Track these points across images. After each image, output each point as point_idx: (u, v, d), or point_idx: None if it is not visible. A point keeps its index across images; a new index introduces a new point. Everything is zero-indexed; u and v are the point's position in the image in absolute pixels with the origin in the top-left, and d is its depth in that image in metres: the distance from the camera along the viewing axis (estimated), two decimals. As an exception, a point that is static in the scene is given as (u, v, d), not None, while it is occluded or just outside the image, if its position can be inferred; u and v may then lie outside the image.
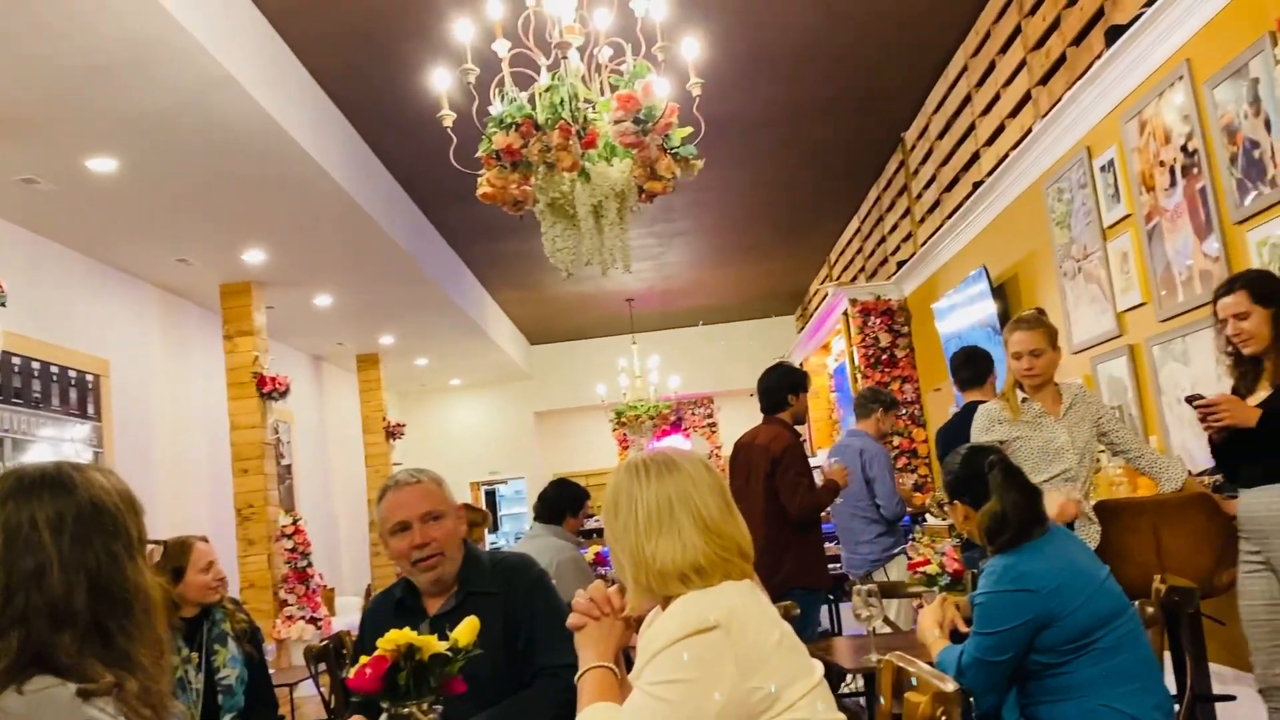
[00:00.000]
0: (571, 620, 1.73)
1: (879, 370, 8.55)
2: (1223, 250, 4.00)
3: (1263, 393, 3.08)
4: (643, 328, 13.54)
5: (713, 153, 4.22)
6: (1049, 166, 5.51)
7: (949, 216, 7.08)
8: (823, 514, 4.75)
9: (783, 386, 4.74)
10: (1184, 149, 4.20)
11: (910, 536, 5.44)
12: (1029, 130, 5.59)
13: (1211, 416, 3.09)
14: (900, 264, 8.50)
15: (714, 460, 14.62)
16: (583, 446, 15.79)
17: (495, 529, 15.29)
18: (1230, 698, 3.34)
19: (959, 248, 7.16)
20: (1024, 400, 3.57)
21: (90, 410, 6.84)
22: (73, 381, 6.67)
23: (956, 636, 2.64)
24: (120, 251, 7.11)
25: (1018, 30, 5.65)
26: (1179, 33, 4.12)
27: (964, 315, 6.74)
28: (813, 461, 5.73)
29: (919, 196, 7.91)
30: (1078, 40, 4.99)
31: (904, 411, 8.26)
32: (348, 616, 8.70)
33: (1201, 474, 3.75)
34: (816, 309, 10.82)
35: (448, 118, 3.54)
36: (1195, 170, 4.14)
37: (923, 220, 7.89)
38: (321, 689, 3.60)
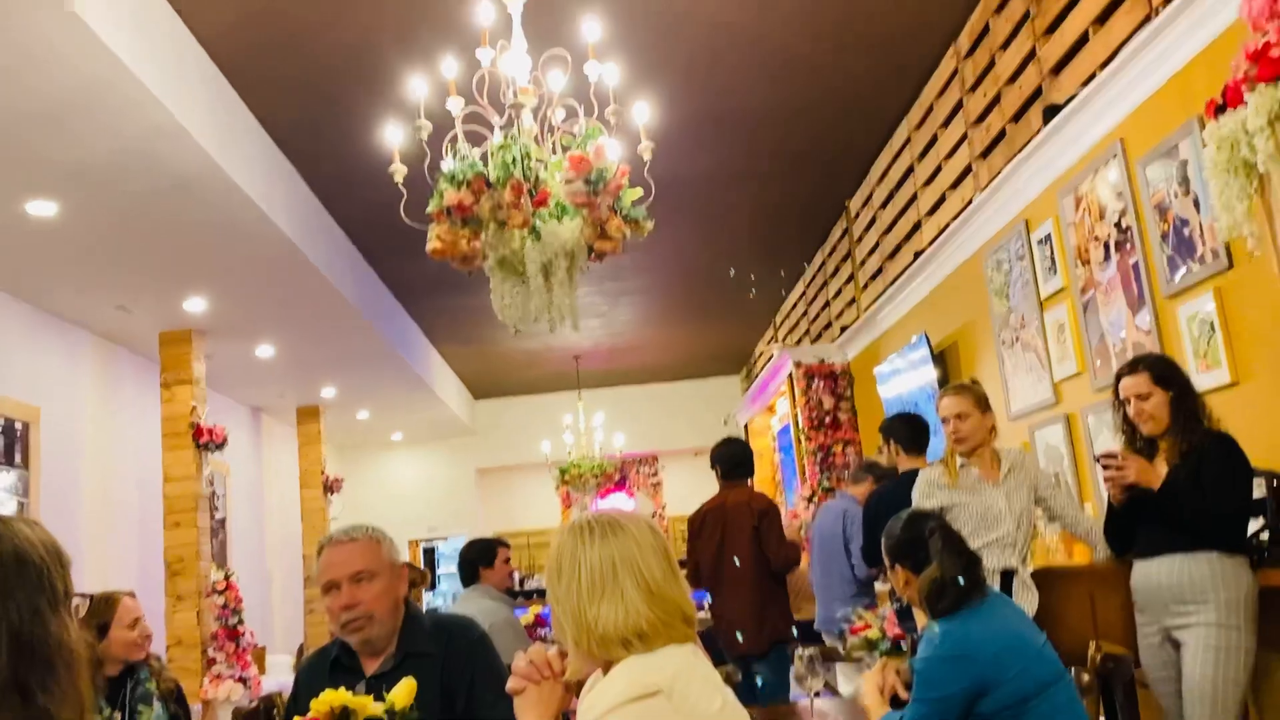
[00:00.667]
0: (511, 684, 1.69)
1: (821, 432, 8.63)
2: (1154, 324, 4.12)
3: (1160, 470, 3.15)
4: (589, 384, 13.52)
5: (662, 213, 4.26)
6: (989, 238, 5.65)
7: (891, 283, 7.22)
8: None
9: (748, 457, 5.43)
10: (1118, 225, 4.34)
11: None
12: (969, 202, 5.74)
13: (1117, 471, 3.12)
14: (844, 328, 8.62)
15: (658, 520, 14.56)
16: (525, 504, 15.59)
17: (433, 587, 15.00)
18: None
19: (901, 314, 7.28)
20: (962, 466, 3.61)
21: (17, 459, 6.64)
22: (0, 429, 6.48)
23: (896, 702, 2.64)
24: (57, 297, 6.95)
25: (959, 105, 5.82)
26: (1113, 113, 4.27)
27: (905, 380, 6.85)
28: None
29: (863, 263, 8.05)
30: (1017, 117, 5.16)
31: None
32: (279, 676, 8.44)
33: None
34: (761, 370, 10.91)
35: (399, 172, 3.55)
36: (1128, 245, 4.27)
37: (866, 286, 8.03)
38: (249, 752, 3.48)
